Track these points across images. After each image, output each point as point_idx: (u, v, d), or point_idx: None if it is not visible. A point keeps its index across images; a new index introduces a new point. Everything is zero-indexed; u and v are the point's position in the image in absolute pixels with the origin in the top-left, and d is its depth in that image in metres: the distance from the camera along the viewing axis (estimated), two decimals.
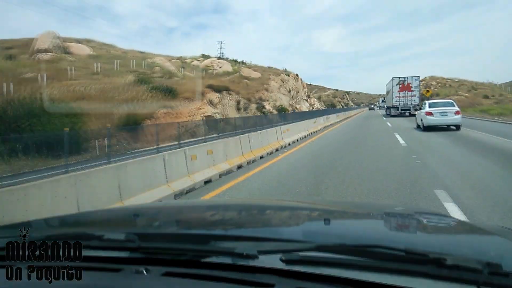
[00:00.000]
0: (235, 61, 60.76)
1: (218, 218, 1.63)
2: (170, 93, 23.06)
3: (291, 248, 0.95)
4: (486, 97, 45.86)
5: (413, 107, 34.68)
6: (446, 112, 16.01)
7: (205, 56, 58.32)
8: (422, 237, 1.26)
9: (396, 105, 36.34)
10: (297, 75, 66.41)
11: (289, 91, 59.38)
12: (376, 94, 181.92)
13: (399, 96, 36.12)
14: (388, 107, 42.18)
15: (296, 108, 58.62)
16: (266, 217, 1.64)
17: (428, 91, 42.63)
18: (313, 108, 73.51)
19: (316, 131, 19.70)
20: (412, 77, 36.80)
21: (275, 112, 43.49)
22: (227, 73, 50.27)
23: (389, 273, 0.84)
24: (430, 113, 16.25)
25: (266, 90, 47.57)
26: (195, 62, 54.12)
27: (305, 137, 16.51)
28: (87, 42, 45.66)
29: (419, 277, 0.82)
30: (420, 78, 66.08)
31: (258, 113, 36.59)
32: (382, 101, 77.47)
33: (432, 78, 59.28)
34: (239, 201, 3.57)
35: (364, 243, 0.96)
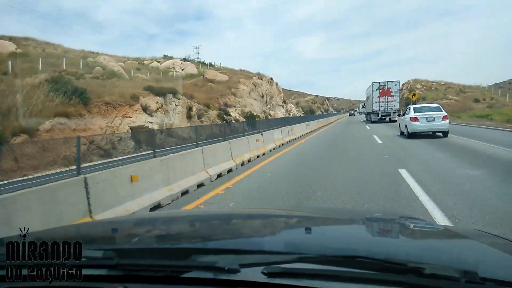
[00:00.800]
0: (203, 63, 54.77)
1: (198, 231, 1.56)
2: (80, 96, 16.71)
3: (273, 260, 0.93)
4: (477, 100, 41.46)
5: (393, 112, 33.93)
6: (433, 117, 14.42)
7: (167, 57, 52.10)
8: (402, 245, 1.26)
9: (376, 111, 35.00)
10: (271, 78, 60.92)
11: (262, 96, 53.84)
12: (356, 100, 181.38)
13: (379, 102, 34.92)
14: (368, 113, 40.94)
15: (269, 114, 53.07)
16: (247, 228, 1.59)
17: (414, 94, 37.78)
18: (289, 114, 68.26)
19: (260, 155, 11.98)
20: (391, 82, 35.38)
21: (242, 119, 37.69)
22: (190, 76, 44.24)
23: (370, 283, 0.86)
24: (415, 119, 14.57)
25: (234, 94, 41.79)
26: (155, 64, 47.82)
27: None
28: (24, 40, 38.88)
29: (399, 287, 0.84)
30: (403, 82, 62.38)
31: (219, 121, 30.69)
32: (362, 107, 77.84)
33: (416, 81, 54.96)
34: (219, 211, 3.24)
35: (344, 254, 0.96)
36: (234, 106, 39.49)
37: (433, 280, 0.81)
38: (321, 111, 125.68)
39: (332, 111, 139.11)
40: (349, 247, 1.11)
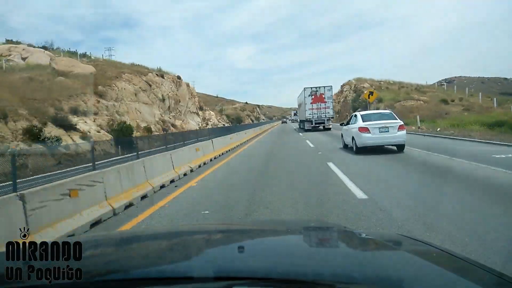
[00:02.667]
0: (71, 52, 37.84)
1: (116, 257, 1.38)
2: None
3: None
4: (444, 101, 31.09)
5: (327, 120, 31.76)
6: (387, 128, 11.46)
7: (11, 42, 34.42)
8: (332, 260, 1.25)
9: (309, 119, 32.06)
10: (178, 77, 45.68)
11: (163, 100, 38.69)
12: (288, 108, 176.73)
13: (312, 109, 32.07)
14: (301, 121, 37.52)
15: (173, 125, 38.05)
16: (174, 251, 1.47)
17: (371, 94, 26.04)
18: (207, 124, 53.75)
19: None
20: (324, 87, 32.56)
21: (103, 135, 22.16)
22: (33, 68, 27.49)
23: None
24: (365, 129, 11.56)
25: (101, 95, 26.13)
26: None
27: None
28: None
29: None
30: (344, 82, 52.02)
31: (19, 142, 14.94)
32: (294, 114, 77.32)
33: (360, 80, 44.46)
34: (145, 231, 2.87)
35: (275, 276, 0.96)
36: (95, 114, 23.85)
37: None
38: (251, 119, 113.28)
39: (263, 119, 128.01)
40: (281, 267, 1.08)
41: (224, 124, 61.83)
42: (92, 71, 29.03)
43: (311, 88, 32.47)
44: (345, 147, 13.75)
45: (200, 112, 53.25)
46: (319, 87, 32.37)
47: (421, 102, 29.56)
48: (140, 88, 33.99)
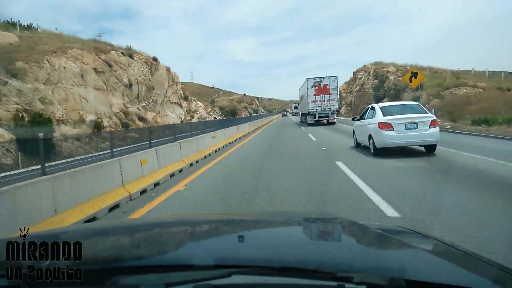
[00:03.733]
0: (11, 23, 29.33)
1: (118, 246, 1.38)
2: None
3: (203, 277, 0.88)
4: (501, 89, 22.63)
5: (331, 113, 29.40)
6: (416, 123, 9.10)
7: None
8: (333, 250, 1.25)
9: (312, 112, 29.58)
10: (154, 59, 37.10)
11: (129, 86, 30.39)
12: (288, 101, 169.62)
13: (315, 101, 29.44)
14: (303, 114, 35.63)
15: (142, 118, 29.81)
16: (174, 240, 1.46)
17: (414, 75, 17.78)
18: (192, 117, 45.40)
19: None
20: (329, 77, 29.65)
21: None
22: None
23: None
24: (388, 126, 9.25)
25: (15, 74, 17.92)
26: None
27: None
28: None
29: None
30: (358, 68, 43.58)
31: None
32: (295, 107, 76.45)
33: (379, 64, 36.29)
34: (143, 221, 2.93)
35: (277, 265, 0.95)
36: None
37: None
38: (248, 112, 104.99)
39: (262, 112, 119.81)
40: (282, 256, 1.07)
41: (215, 118, 53.78)
42: (13, 41, 20.57)
43: (315, 78, 29.90)
44: (358, 146, 11.90)
45: (184, 103, 44.83)
46: (323, 77, 29.89)
47: (480, 90, 21.19)
48: (94, 68, 25.61)
